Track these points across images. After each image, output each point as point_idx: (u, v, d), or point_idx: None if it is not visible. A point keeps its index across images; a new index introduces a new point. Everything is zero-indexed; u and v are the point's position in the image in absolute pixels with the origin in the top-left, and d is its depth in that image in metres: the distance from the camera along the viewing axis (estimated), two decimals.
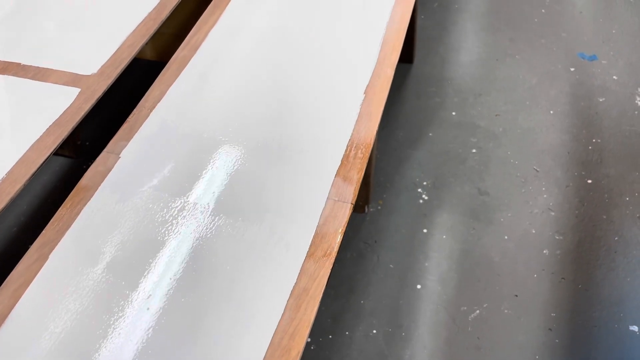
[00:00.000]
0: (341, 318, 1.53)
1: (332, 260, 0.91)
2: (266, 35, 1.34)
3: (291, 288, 0.90)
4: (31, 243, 1.01)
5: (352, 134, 1.09)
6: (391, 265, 1.68)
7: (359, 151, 1.06)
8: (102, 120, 1.86)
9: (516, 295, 1.59)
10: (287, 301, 0.89)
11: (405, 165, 1.93)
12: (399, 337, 1.51)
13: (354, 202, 0.98)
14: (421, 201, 1.84)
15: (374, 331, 1.53)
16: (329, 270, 0.91)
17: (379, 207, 1.80)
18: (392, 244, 1.72)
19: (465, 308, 1.57)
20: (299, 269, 0.92)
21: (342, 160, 1.05)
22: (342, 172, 1.03)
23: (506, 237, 1.73)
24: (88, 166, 1.11)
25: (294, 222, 0.98)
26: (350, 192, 0.99)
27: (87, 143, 1.86)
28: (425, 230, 1.76)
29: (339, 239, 0.93)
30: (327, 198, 1.00)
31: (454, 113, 2.14)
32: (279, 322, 0.87)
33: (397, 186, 1.86)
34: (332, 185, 1.01)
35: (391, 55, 1.20)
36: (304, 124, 1.13)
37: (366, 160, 1.02)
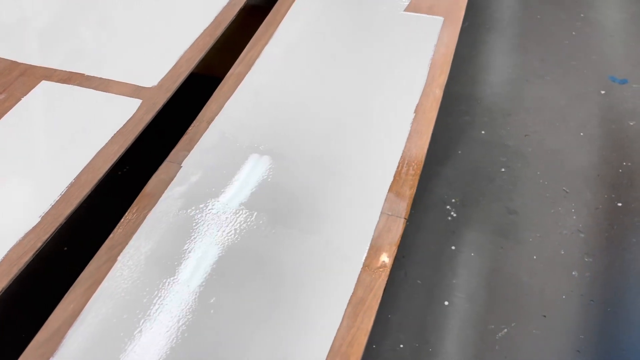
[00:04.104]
0: None
1: (388, 273, 0.95)
2: (318, 53, 1.38)
3: (349, 298, 0.94)
4: (95, 242, 1.06)
5: (403, 151, 1.13)
6: (419, 281, 1.68)
7: (411, 168, 1.10)
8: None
9: (544, 316, 1.59)
10: (345, 310, 0.93)
11: (434, 182, 1.94)
12: (425, 353, 1.51)
13: (407, 217, 1.03)
14: (449, 218, 1.85)
15: (401, 345, 1.53)
16: (385, 283, 0.95)
17: (408, 223, 1.82)
18: (420, 259, 1.72)
19: (493, 326, 1.57)
20: (356, 279, 0.96)
21: (394, 176, 1.09)
22: (394, 187, 1.07)
23: (535, 257, 1.73)
24: (145, 173, 1.16)
25: (349, 235, 1.03)
26: (403, 208, 1.03)
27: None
28: (453, 247, 1.76)
29: (393, 252, 0.97)
30: (381, 212, 1.04)
31: (483, 132, 2.14)
32: (337, 330, 0.91)
33: (426, 202, 1.87)
34: (385, 200, 1.06)
35: (439, 77, 1.25)
36: (357, 140, 1.17)
37: (417, 177, 1.06)
